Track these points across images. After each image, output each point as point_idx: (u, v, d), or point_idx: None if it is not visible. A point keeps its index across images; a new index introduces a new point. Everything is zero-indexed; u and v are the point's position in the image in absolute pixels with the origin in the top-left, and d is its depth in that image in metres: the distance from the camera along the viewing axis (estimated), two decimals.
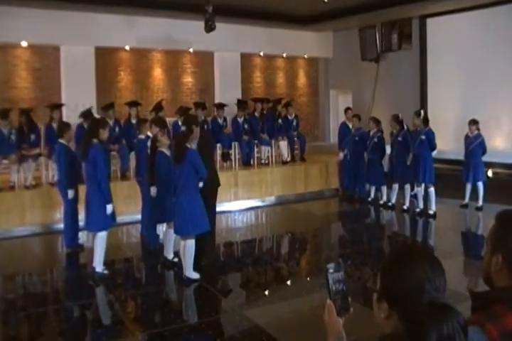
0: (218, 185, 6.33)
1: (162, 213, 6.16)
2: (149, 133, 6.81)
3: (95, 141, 5.78)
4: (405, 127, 8.91)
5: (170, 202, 5.85)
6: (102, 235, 5.83)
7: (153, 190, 6.32)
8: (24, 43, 10.18)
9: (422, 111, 8.72)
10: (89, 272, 5.90)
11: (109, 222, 5.85)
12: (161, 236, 6.61)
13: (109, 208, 5.73)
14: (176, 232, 5.66)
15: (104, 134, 5.91)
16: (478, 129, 8.84)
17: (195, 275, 5.61)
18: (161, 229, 6.53)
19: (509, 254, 1.52)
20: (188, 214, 5.39)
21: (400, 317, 1.33)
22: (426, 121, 8.59)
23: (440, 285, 1.33)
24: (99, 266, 5.83)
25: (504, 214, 1.60)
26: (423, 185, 8.61)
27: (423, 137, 8.44)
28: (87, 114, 8.48)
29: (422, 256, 1.38)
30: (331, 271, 1.51)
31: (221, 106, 10.48)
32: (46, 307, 5.18)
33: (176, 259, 6.20)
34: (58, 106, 8.91)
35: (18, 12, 9.48)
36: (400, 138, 8.90)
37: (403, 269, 1.35)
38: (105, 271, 5.86)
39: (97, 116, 8.86)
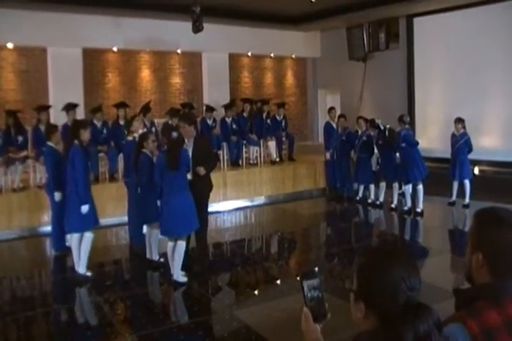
0: (211, 187, 6.34)
1: (147, 214, 6.14)
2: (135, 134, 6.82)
3: (76, 142, 5.77)
4: (381, 128, 9.00)
5: (154, 202, 5.84)
6: (89, 236, 5.81)
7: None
8: (10, 45, 10.09)
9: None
10: (76, 275, 5.87)
11: (88, 223, 5.81)
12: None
13: (83, 209, 5.69)
14: (164, 234, 5.63)
15: (85, 135, 5.88)
16: (464, 127, 8.92)
17: (183, 279, 5.57)
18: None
19: (489, 252, 1.54)
20: (180, 215, 5.35)
21: (377, 317, 1.35)
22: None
23: (415, 284, 1.35)
24: (82, 267, 5.82)
25: (482, 212, 1.61)
26: (411, 183, 8.67)
27: (403, 144, 8.54)
28: (69, 107, 8.39)
29: (397, 256, 1.41)
30: (305, 278, 1.51)
31: (211, 108, 10.47)
32: (34, 311, 5.14)
33: (162, 259, 6.20)
34: (45, 108, 8.84)
35: (3, 13, 9.38)
36: (380, 142, 9.04)
37: (379, 269, 1.37)
38: (88, 273, 5.84)
39: (82, 118, 8.84)
